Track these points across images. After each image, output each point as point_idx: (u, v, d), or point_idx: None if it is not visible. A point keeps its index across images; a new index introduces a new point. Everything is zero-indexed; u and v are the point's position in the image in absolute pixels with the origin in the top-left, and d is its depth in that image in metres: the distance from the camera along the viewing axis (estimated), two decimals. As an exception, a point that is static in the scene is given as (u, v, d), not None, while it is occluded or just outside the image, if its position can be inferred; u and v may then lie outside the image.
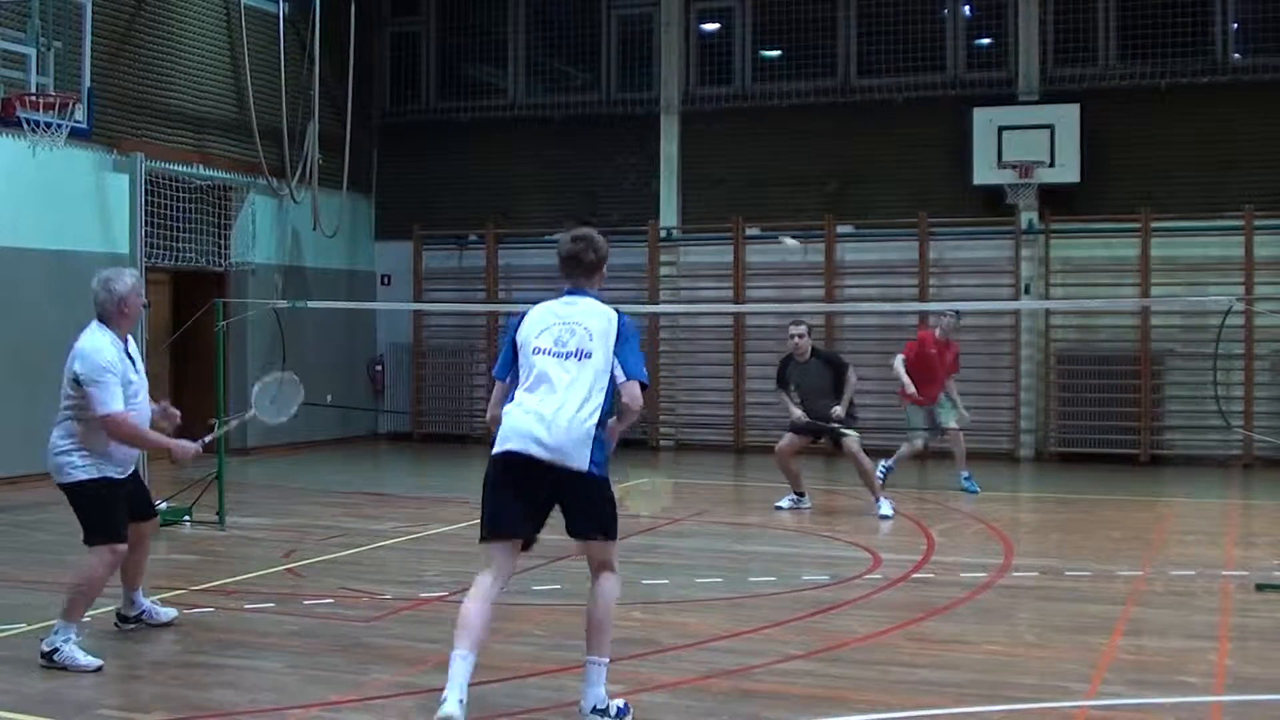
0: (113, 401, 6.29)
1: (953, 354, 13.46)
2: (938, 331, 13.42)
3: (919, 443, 13.46)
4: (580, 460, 5.31)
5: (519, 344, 5.54)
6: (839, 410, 11.64)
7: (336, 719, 5.57)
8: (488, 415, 5.62)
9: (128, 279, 6.57)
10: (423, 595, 8.02)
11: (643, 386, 5.43)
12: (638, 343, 5.57)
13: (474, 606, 5.27)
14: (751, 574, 9.06)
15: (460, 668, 5.15)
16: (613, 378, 5.43)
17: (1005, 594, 8.26)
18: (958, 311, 13.80)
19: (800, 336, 11.84)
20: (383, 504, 12.61)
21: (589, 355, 5.41)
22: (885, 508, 11.57)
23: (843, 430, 11.69)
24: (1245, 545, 10.29)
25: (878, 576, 8.74)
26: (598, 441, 5.37)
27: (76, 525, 6.50)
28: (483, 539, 5.45)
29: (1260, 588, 8.24)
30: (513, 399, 5.47)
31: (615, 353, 5.45)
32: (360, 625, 7.22)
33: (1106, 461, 16.04)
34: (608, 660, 5.42)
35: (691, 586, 8.52)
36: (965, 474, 13.38)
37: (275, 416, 8.12)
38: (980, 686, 6.02)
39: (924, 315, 16.83)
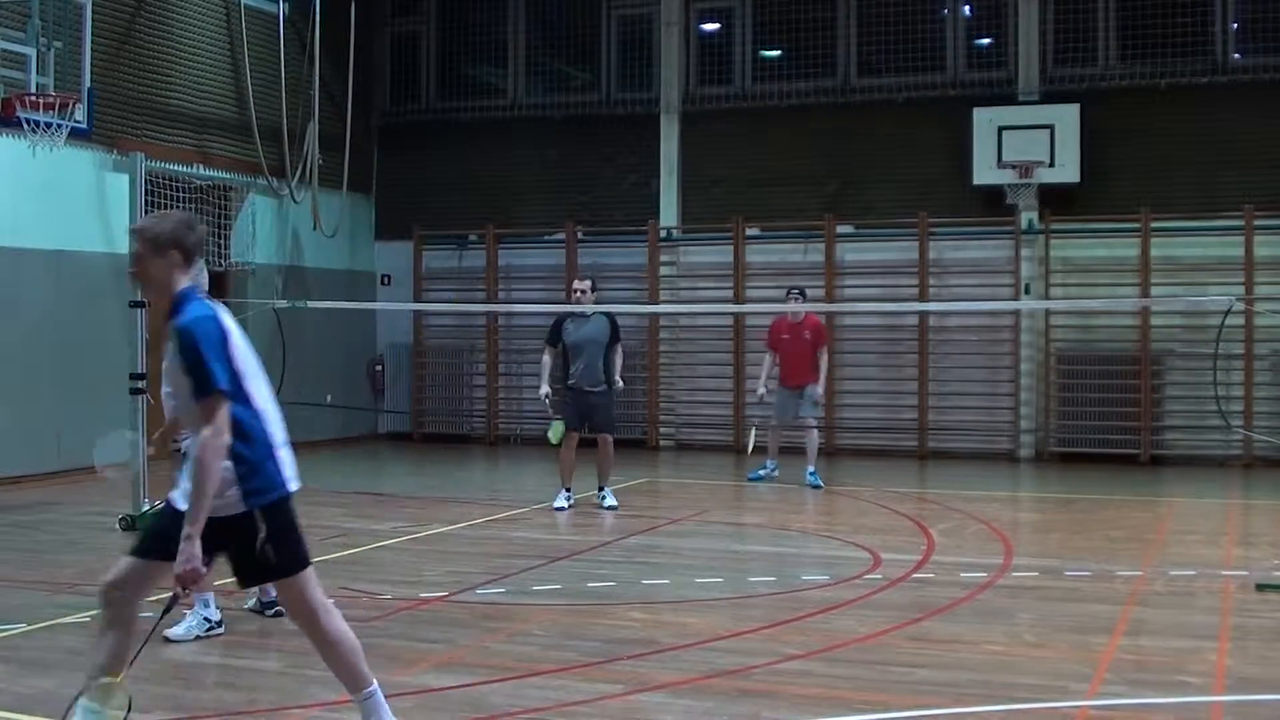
0: None
1: (810, 329, 13.64)
2: (789, 315, 13.74)
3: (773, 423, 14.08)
4: None
5: (240, 354, 4.76)
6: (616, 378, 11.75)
7: (336, 719, 5.56)
8: (224, 439, 4.60)
9: None
10: (422, 596, 8.02)
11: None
12: None
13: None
14: (751, 574, 9.06)
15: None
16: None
17: (1005, 594, 8.26)
18: (790, 291, 14.00)
19: (582, 292, 11.80)
20: (383, 504, 12.61)
21: None
22: (609, 498, 11.77)
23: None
24: (1245, 545, 10.29)
25: (878, 576, 8.74)
26: None
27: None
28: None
29: (1260, 588, 8.24)
30: (259, 421, 4.80)
31: None
32: (360, 625, 7.17)
33: (1106, 461, 16.03)
34: (376, 684, 4.93)
35: (691, 586, 8.51)
36: (810, 469, 13.57)
37: None
38: (980, 686, 6.02)
39: (923, 315, 16.87)
